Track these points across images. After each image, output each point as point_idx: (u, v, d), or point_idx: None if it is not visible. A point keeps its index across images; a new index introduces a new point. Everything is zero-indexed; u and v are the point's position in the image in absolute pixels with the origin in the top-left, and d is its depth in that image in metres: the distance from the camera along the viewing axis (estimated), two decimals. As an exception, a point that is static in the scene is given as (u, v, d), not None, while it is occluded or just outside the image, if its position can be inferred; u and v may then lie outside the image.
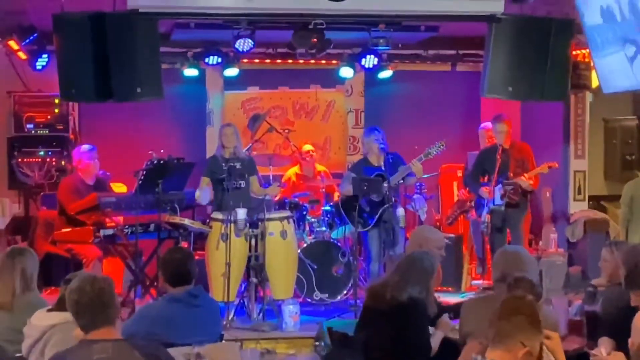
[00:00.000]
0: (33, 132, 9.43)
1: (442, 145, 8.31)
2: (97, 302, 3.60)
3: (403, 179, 8.36)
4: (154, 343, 4.24)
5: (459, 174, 10.04)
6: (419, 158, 8.25)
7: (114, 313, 3.65)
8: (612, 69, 6.96)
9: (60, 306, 4.37)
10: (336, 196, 9.12)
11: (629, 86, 6.98)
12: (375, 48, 9.04)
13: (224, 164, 7.97)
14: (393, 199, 8.18)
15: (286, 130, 9.86)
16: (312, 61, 9.79)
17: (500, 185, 8.34)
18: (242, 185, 8.06)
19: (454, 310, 5.73)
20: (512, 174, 8.39)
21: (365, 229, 8.35)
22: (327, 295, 8.53)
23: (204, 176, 8.20)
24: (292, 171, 9.67)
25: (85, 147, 8.52)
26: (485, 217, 8.44)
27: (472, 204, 9.13)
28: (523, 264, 5.13)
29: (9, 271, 5.08)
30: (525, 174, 8.34)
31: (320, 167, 9.76)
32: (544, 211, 10.02)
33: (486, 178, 8.56)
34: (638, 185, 8.71)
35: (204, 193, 8.00)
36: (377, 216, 8.29)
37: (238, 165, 7.98)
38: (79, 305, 3.63)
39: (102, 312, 3.61)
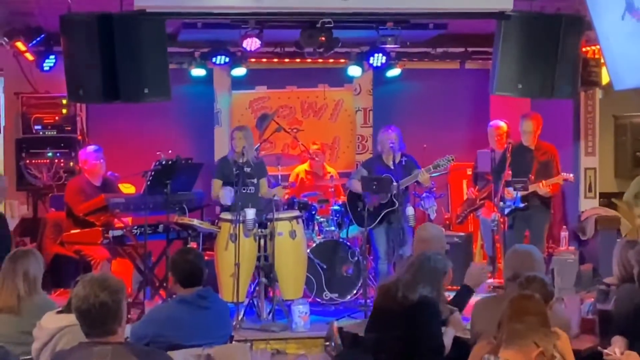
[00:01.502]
0: (41, 133, 9.44)
1: (452, 159, 8.35)
2: (96, 315, 3.55)
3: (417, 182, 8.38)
4: (156, 348, 4.23)
5: (469, 172, 10.00)
6: (427, 169, 8.28)
7: (116, 325, 3.59)
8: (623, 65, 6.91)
9: (70, 308, 4.35)
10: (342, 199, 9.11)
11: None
12: (383, 46, 9.01)
13: (234, 168, 7.94)
14: (397, 202, 8.17)
15: (294, 130, 9.83)
16: (320, 60, 9.76)
17: (511, 187, 8.28)
18: (252, 191, 8.05)
19: (456, 302, 5.71)
20: (533, 177, 8.30)
21: (370, 227, 8.34)
22: (336, 295, 8.51)
23: (216, 179, 8.17)
24: (301, 168, 9.65)
25: (91, 147, 8.51)
26: (496, 216, 8.40)
27: (485, 202, 9.09)
28: (535, 264, 5.10)
29: (11, 275, 5.07)
30: (543, 181, 8.25)
31: (329, 169, 9.73)
32: (555, 209, 9.96)
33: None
34: None
35: (225, 193, 7.91)
36: (380, 216, 8.28)
37: (248, 170, 7.96)
38: (79, 312, 3.60)
39: (101, 325, 3.56)
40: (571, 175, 8.46)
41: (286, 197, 8.64)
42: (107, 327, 3.57)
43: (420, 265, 5.25)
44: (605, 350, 4.53)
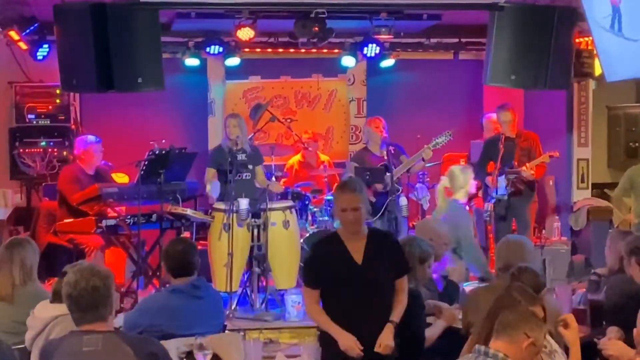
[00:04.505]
0: (34, 122, 9.44)
1: (449, 135, 8.38)
2: (89, 299, 3.59)
3: (408, 169, 8.40)
4: (148, 336, 4.25)
5: (462, 162, 10.01)
6: (427, 147, 8.30)
7: (107, 311, 3.63)
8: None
9: (56, 298, 4.37)
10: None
11: (632, 74, 6.95)
12: (377, 37, 9.01)
13: (228, 156, 7.94)
14: (399, 189, 8.21)
15: (288, 120, 9.83)
16: (314, 50, 9.74)
17: (504, 175, 8.34)
18: (247, 177, 8.05)
19: (445, 295, 5.75)
20: (516, 163, 8.38)
21: (371, 220, 8.35)
22: (330, 284, 8.50)
23: (209, 167, 8.17)
24: (295, 159, 9.66)
25: (91, 138, 8.49)
26: (488, 206, 8.43)
27: (479, 192, 9.11)
28: (526, 254, 5.13)
29: (7, 263, 5.09)
30: (527, 164, 8.33)
31: (323, 157, 9.75)
32: (548, 200, 10.00)
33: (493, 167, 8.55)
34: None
35: (213, 187, 7.92)
36: (384, 206, 8.30)
37: (242, 157, 7.96)
38: (70, 299, 3.63)
39: (93, 310, 3.60)
40: (556, 151, 8.50)
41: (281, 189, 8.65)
42: (98, 312, 3.60)
43: None
44: (602, 340, 4.55)
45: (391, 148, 8.42)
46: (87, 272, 3.63)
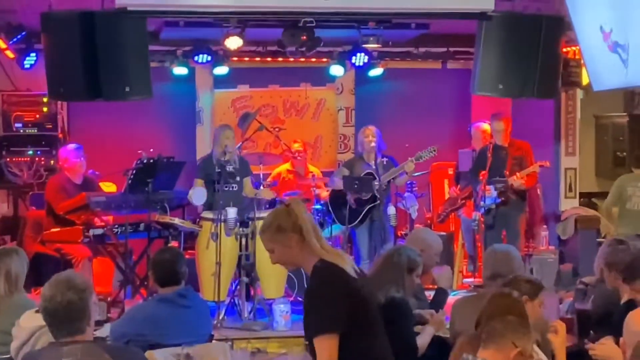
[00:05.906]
0: (22, 131, 9.39)
1: (434, 151, 8.40)
2: (64, 314, 3.55)
3: (393, 178, 8.41)
4: (127, 345, 4.22)
5: (450, 171, 10.03)
6: (410, 160, 8.31)
7: (83, 325, 3.59)
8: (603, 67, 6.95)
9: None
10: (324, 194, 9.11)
11: (619, 84, 6.98)
12: (365, 46, 9.03)
13: (217, 166, 7.92)
14: (379, 199, 8.21)
15: (276, 129, 9.83)
16: (302, 59, 9.75)
17: (492, 184, 8.34)
18: (235, 188, 8.03)
19: (434, 305, 5.74)
20: (508, 172, 8.38)
21: (351, 226, 8.36)
22: (318, 294, 8.49)
23: (198, 179, 8.15)
24: (283, 168, 9.64)
25: (71, 146, 8.48)
26: (476, 215, 8.45)
27: (472, 200, 9.14)
28: (513, 263, 5.12)
29: None
30: (518, 173, 8.33)
31: (312, 169, 9.73)
32: (535, 209, 10.01)
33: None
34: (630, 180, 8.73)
35: (195, 193, 7.88)
36: (362, 214, 8.31)
37: (230, 168, 7.94)
38: (46, 312, 3.60)
39: (69, 324, 3.56)
40: (547, 161, 8.51)
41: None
42: (75, 326, 3.56)
43: (382, 263, 5.23)
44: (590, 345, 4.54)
45: (384, 159, 8.45)
46: (62, 286, 3.58)
